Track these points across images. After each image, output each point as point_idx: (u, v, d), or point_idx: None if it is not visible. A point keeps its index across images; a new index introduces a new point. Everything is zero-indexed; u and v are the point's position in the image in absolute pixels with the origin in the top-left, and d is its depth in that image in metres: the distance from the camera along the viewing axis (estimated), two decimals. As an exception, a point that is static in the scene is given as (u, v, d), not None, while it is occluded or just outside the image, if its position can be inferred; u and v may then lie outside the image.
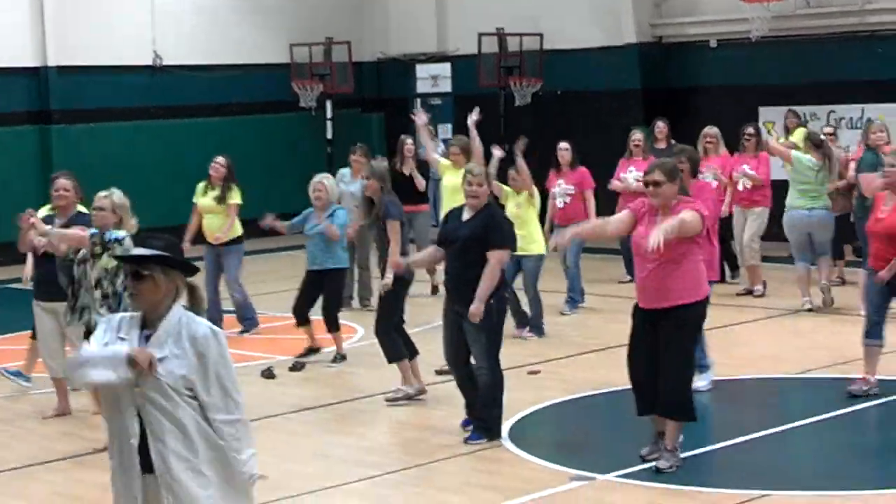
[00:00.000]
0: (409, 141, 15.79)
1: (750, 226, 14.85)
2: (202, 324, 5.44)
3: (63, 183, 10.40)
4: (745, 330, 13.39)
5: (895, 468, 7.73)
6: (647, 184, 8.48)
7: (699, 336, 9.74)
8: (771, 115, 18.95)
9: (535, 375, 11.54)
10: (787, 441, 9.43)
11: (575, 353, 12.27)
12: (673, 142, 15.68)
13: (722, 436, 9.50)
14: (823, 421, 9.80)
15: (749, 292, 14.97)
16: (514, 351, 12.44)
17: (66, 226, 10.11)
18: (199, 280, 5.66)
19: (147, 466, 5.37)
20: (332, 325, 12.27)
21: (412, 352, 10.69)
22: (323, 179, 12.37)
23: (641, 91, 21.10)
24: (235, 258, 13.80)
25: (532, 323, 13.10)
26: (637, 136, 15.39)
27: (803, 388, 11.05)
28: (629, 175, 15.00)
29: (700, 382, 10.32)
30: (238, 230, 13.84)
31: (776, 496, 8.06)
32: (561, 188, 14.56)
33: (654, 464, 8.57)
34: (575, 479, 8.50)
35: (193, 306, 5.51)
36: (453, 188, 12.63)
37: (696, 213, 8.33)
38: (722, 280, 13.58)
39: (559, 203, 14.53)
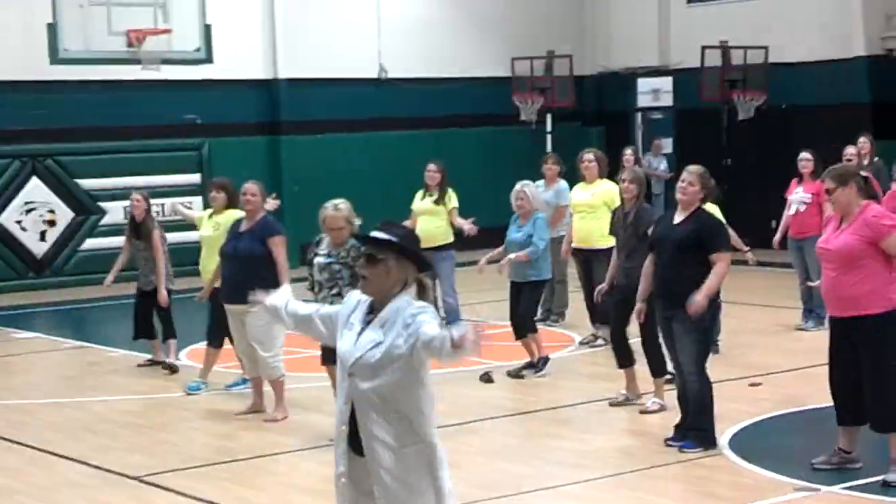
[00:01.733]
0: (629, 151, 15.75)
1: None
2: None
3: (250, 187, 10.72)
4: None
5: None
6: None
7: None
8: None
9: (756, 388, 11.34)
10: None
11: (798, 367, 11.99)
12: (876, 159, 15.27)
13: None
14: None
15: None
16: (735, 363, 12.32)
17: (252, 229, 10.55)
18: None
19: (359, 450, 5.41)
20: (521, 331, 12.13)
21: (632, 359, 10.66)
22: (524, 187, 12.16)
23: (871, 106, 20.54)
24: (450, 263, 13.97)
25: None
26: (805, 155, 14.65)
27: None
28: (795, 196, 14.36)
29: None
30: (451, 236, 14.03)
31: None
32: (798, 196, 14.23)
33: (882, 476, 8.33)
34: (798, 489, 8.32)
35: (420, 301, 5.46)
36: None
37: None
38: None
39: (793, 210, 14.19)
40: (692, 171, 9.40)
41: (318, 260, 9.70)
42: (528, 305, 12.17)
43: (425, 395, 5.38)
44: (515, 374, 12.04)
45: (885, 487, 8.23)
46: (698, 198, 9.29)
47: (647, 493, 8.53)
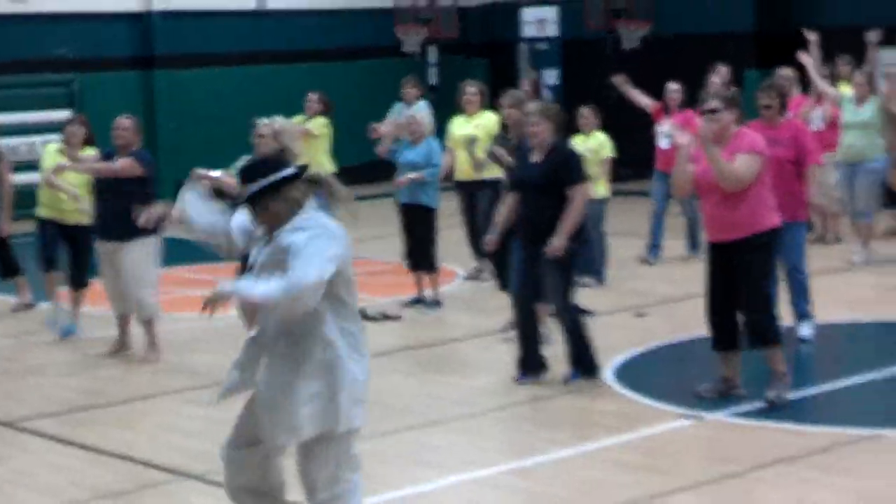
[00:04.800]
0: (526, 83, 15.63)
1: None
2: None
3: (121, 122, 10.37)
4: (844, 276, 12.96)
5: None
6: (704, 112, 8.37)
7: (802, 280, 9.67)
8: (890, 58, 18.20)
9: (642, 318, 11.27)
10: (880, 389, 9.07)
11: (685, 296, 11.94)
12: (733, 89, 15.13)
13: (829, 377, 9.21)
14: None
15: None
16: (621, 293, 12.26)
17: None
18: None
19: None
20: (419, 265, 12.00)
21: None
22: (416, 112, 12.16)
23: (756, 34, 20.53)
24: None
25: (593, 268, 12.67)
26: (673, 87, 14.49)
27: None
28: (663, 129, 14.23)
29: (805, 330, 10.11)
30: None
31: (889, 435, 7.79)
32: (666, 129, 14.11)
33: (764, 396, 8.37)
34: (682, 417, 8.27)
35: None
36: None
37: (750, 154, 8.21)
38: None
39: (663, 145, 14.10)
40: (534, 111, 9.22)
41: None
42: (425, 239, 11.97)
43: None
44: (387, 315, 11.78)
45: (767, 411, 8.24)
46: (546, 135, 9.04)
47: (533, 426, 8.43)
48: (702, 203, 8.58)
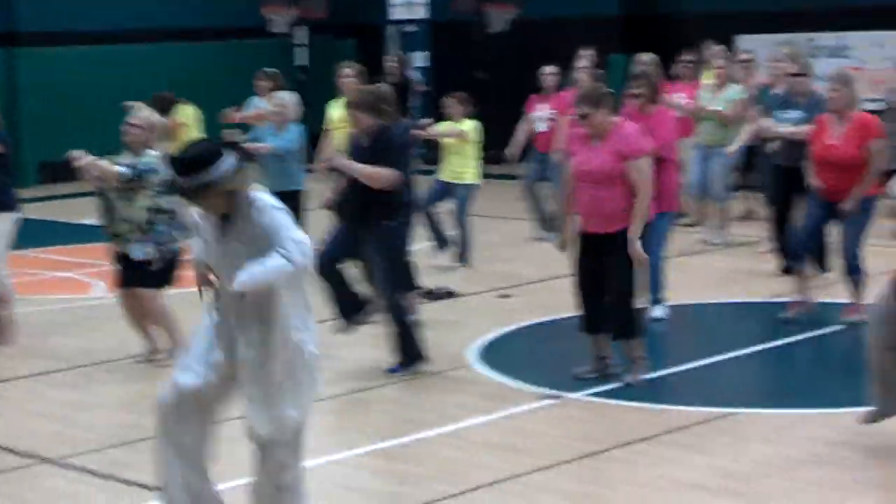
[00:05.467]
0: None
1: None
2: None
3: None
4: (699, 258, 13.23)
5: (855, 388, 7.66)
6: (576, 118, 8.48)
7: (658, 265, 9.84)
8: (752, 43, 18.57)
9: (506, 299, 11.38)
10: (751, 363, 9.39)
11: (548, 278, 12.08)
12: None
13: (684, 358, 9.38)
14: (784, 345, 9.72)
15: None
16: (484, 275, 12.36)
17: None
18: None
19: None
20: None
21: None
22: (283, 97, 11.96)
23: (622, 18, 20.80)
24: None
25: (461, 251, 12.78)
26: (549, 69, 14.61)
27: (761, 313, 10.87)
28: (538, 114, 14.39)
29: (658, 311, 10.28)
30: None
31: (742, 414, 8.02)
32: (543, 113, 14.25)
33: (623, 378, 8.56)
34: (543, 397, 8.38)
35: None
36: None
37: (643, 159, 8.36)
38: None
39: (539, 128, 14.22)
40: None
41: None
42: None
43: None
44: None
45: (626, 391, 8.40)
46: (367, 122, 8.91)
47: (396, 407, 8.47)
48: (577, 194, 8.52)
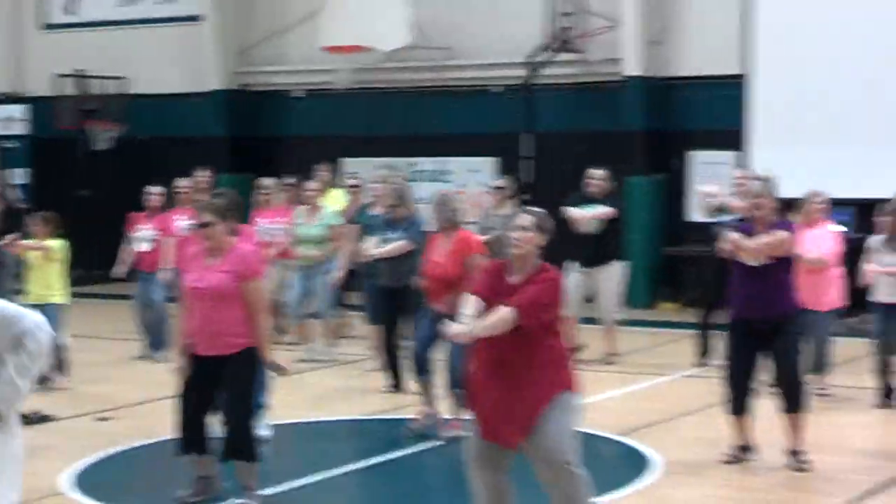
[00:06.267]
0: None
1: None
2: None
3: None
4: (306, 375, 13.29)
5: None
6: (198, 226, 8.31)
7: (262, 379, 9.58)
8: (356, 166, 19.03)
9: (105, 421, 11.02)
10: (345, 484, 9.37)
11: (151, 399, 11.74)
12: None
13: (292, 475, 9.19)
14: (384, 463, 9.77)
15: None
16: (85, 397, 11.93)
17: None
18: None
19: None
20: None
21: None
22: None
23: (229, 139, 20.93)
24: None
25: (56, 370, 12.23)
26: (154, 189, 14.49)
27: (364, 429, 11.01)
28: (142, 234, 14.17)
29: (263, 431, 10.10)
30: None
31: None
32: (146, 233, 14.01)
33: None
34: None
35: None
36: None
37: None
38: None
39: (142, 247, 13.94)
40: None
41: None
42: None
43: None
44: None
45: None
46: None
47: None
48: (190, 313, 8.23)
